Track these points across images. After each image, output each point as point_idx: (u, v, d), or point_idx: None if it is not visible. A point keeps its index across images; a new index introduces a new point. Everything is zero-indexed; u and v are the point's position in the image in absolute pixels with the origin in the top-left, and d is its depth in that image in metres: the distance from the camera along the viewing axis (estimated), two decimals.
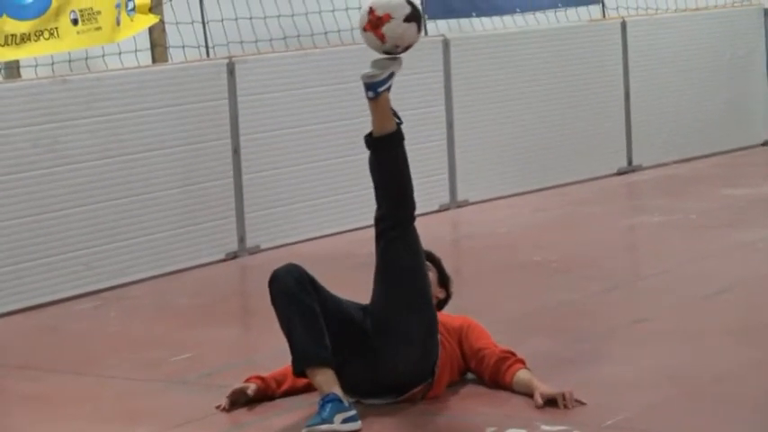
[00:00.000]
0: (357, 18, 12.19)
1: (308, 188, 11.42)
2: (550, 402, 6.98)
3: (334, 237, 11.36)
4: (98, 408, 7.46)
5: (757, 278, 9.78)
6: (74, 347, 8.77)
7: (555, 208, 12.62)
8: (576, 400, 7.00)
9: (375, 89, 7.25)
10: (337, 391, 6.80)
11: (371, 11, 7.15)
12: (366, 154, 11.40)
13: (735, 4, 15.92)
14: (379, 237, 7.23)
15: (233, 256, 10.91)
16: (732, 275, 9.86)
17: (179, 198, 10.57)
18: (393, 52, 7.26)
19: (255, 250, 11.04)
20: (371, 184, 11.60)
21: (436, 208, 12.31)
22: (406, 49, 7.24)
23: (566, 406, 6.97)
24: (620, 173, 14.09)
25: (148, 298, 9.94)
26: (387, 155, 7.31)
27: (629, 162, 14.21)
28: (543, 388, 7.07)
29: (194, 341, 8.70)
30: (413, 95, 12.04)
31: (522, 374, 7.22)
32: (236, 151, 10.94)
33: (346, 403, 6.78)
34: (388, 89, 7.24)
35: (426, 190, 11.96)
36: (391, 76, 7.23)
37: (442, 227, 11.94)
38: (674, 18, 15.07)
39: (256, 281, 10.54)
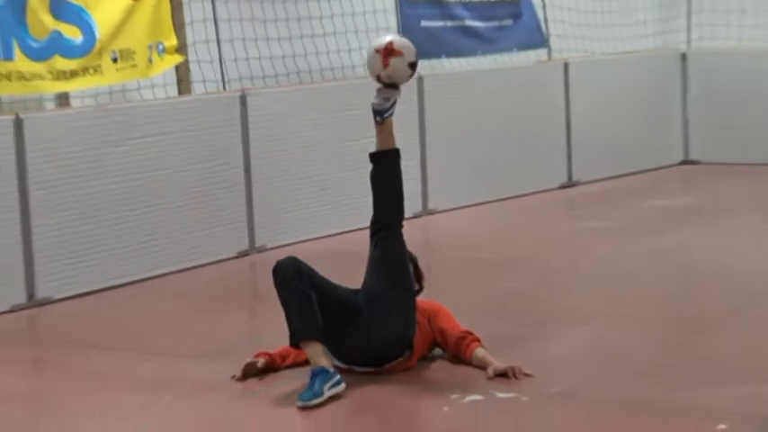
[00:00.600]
0: (350, 58, 12.55)
1: (307, 198, 11.53)
2: (502, 375, 7.14)
3: (327, 238, 11.48)
4: (133, 378, 7.59)
5: (671, 274, 9.97)
6: (113, 328, 8.89)
7: (508, 215, 12.76)
8: (524, 373, 7.17)
9: (382, 115, 7.48)
10: (324, 362, 6.95)
11: (391, 43, 7.36)
12: (356, 170, 11.68)
13: (657, 50, 16.02)
14: (374, 235, 7.51)
15: (244, 254, 11.01)
16: (650, 271, 10.01)
17: (200, 206, 10.65)
18: (381, 81, 7.43)
19: (263, 249, 11.13)
20: (359, 195, 11.83)
21: (410, 215, 12.37)
22: (393, 84, 7.42)
23: (516, 377, 7.13)
24: (562, 187, 14.17)
25: (175, 288, 10.04)
26: (386, 168, 7.55)
27: (570, 178, 14.30)
28: (496, 364, 7.23)
29: (213, 323, 8.84)
30: (394, 120, 12.10)
31: (478, 352, 7.37)
32: (247, 169, 11.04)
33: (331, 370, 6.93)
34: (392, 114, 7.46)
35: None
36: (394, 103, 7.44)
37: (415, 231, 11.96)
38: (607, 60, 15.20)
39: (263, 274, 10.61)
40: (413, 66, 7.43)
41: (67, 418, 6.80)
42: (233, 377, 7.32)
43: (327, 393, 6.83)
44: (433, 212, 12.71)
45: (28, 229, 9.46)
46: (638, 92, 15.11)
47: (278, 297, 7.20)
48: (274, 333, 8.22)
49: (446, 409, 6.75)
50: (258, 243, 11.12)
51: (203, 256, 10.68)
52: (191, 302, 9.57)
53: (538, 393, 6.89)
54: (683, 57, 15.62)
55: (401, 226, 7.49)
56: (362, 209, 11.75)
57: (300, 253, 10.93)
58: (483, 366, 7.26)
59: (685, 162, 15.58)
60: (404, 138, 12.26)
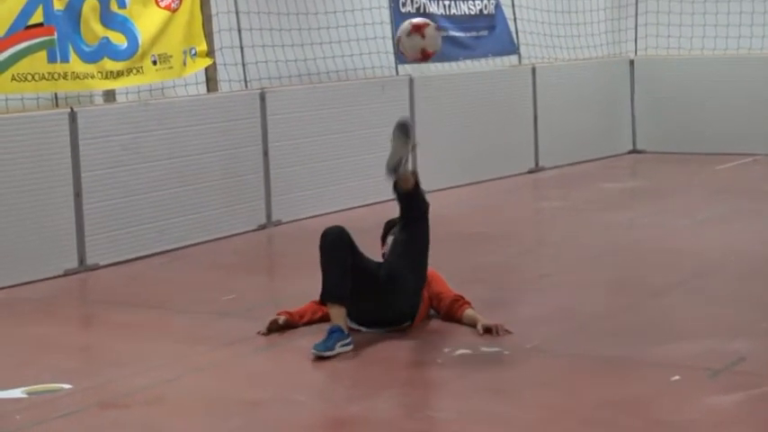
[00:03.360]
0: (352, 62, 12.44)
1: (316, 180, 11.37)
2: (488, 331, 7.00)
3: (333, 214, 11.30)
4: (169, 333, 7.43)
5: (625, 245, 9.79)
6: (151, 290, 8.70)
7: (484, 196, 12.60)
8: (505, 330, 7.03)
9: (395, 172, 7.08)
10: (342, 324, 6.79)
11: (411, 23, 7.22)
12: (358, 156, 11.59)
13: (609, 57, 15.93)
14: (403, 219, 7.25)
15: (262, 227, 10.84)
16: (608, 243, 9.86)
17: (225, 186, 10.49)
18: (427, 54, 7.26)
19: (278, 223, 10.98)
20: (360, 177, 11.75)
21: None
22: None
23: (498, 334, 6.98)
24: (530, 172, 14.05)
25: (203, 256, 9.85)
26: (406, 199, 7.19)
27: (536, 164, 14.18)
28: (484, 321, 7.08)
29: (237, 286, 8.65)
30: (389, 115, 12.01)
31: (469, 312, 7.23)
32: (265, 153, 10.89)
33: (346, 332, 6.77)
34: (405, 167, 7.06)
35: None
36: (402, 161, 7.03)
37: None
38: (568, 65, 15.08)
39: (279, 245, 10.58)
40: (438, 29, 7.31)
41: (113, 366, 6.62)
42: (258, 332, 7.16)
43: (338, 350, 6.68)
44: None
45: (80, 205, 9.30)
46: (593, 92, 15.03)
47: (320, 257, 7.02)
48: (289, 295, 8.15)
49: (440, 361, 6.61)
50: (274, 218, 10.97)
51: (227, 228, 10.51)
52: (217, 269, 9.39)
53: (517, 348, 6.75)
54: (632, 63, 15.62)
55: (428, 213, 7.26)
56: (363, 189, 11.77)
57: (310, 227, 10.94)
58: (472, 324, 7.12)
59: (633, 151, 15.50)
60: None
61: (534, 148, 14.16)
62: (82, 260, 9.30)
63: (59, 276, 9.09)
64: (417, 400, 6.09)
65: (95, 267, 9.34)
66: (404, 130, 7.05)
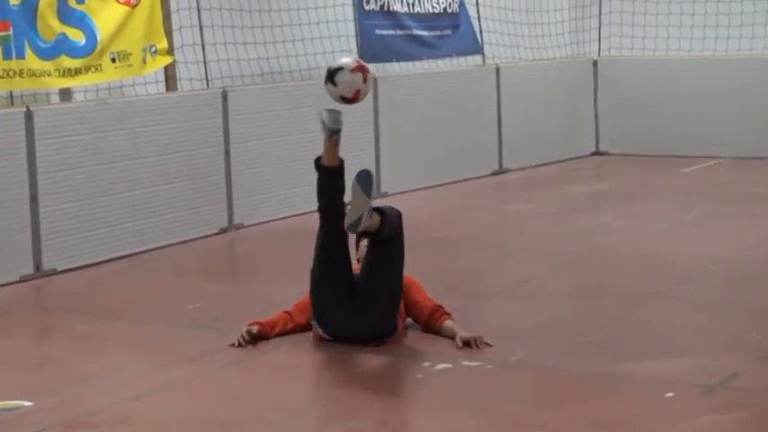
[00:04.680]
0: (315, 61, 12.09)
1: (278, 182, 11.00)
2: (466, 344, 6.67)
3: (299, 217, 10.93)
4: (134, 345, 7.04)
5: (600, 251, 9.50)
6: (112, 298, 8.29)
7: (449, 199, 12.28)
8: (485, 343, 6.70)
9: (338, 133, 7.07)
10: None
11: (357, 60, 6.98)
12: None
13: (572, 57, 15.68)
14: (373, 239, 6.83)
15: (224, 231, 10.46)
16: (582, 249, 9.59)
17: (186, 188, 10.10)
18: (351, 99, 7.02)
19: (240, 226, 10.60)
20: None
21: None
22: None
23: (477, 347, 6.66)
24: (493, 173, 13.77)
25: (164, 261, 9.46)
26: (374, 234, 6.73)
27: (500, 166, 13.89)
28: (462, 333, 6.75)
29: (201, 294, 8.26)
30: (352, 116, 11.71)
31: (448, 323, 6.89)
32: (227, 154, 10.51)
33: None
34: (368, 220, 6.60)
35: None
36: (363, 219, 6.57)
37: None
38: (532, 65, 14.82)
39: (242, 249, 10.21)
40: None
41: (76, 382, 6.21)
42: (230, 344, 6.75)
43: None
44: (385, 195, 12.19)
45: (36, 208, 8.87)
46: (556, 93, 14.78)
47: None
48: (256, 303, 7.80)
49: (419, 376, 6.27)
50: (236, 221, 10.59)
51: (188, 232, 10.12)
52: (180, 275, 9.02)
53: (500, 362, 6.42)
54: (595, 63, 15.39)
55: (401, 226, 6.81)
56: None
57: (271, 230, 10.60)
58: (451, 336, 6.78)
59: (596, 153, 15.27)
60: (360, 131, 11.97)
61: (498, 149, 13.87)
62: (38, 266, 8.87)
63: (14, 283, 8.66)
64: (398, 419, 5.73)
65: (52, 273, 8.93)
66: (365, 183, 6.60)
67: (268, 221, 10.79)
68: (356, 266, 6.96)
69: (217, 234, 10.38)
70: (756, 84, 14.45)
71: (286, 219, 10.88)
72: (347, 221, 6.57)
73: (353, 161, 11.68)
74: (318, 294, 6.73)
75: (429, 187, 12.68)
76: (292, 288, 8.05)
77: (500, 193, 12.89)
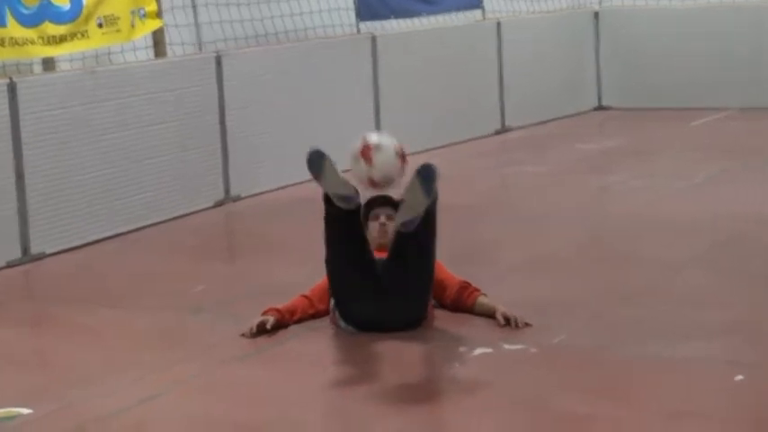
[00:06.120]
0: (311, 20, 11.45)
1: (277, 151, 10.35)
2: (507, 322, 6.07)
3: (299, 185, 10.29)
4: (137, 336, 6.41)
5: (623, 215, 8.86)
6: (108, 283, 7.65)
7: (455, 161, 11.57)
8: (525, 323, 6.10)
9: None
10: None
11: (366, 142, 5.96)
12: (320, 122, 10.62)
13: (573, 8, 15.03)
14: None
15: (220, 204, 9.84)
16: (603, 213, 9.02)
17: (180, 159, 9.46)
18: (376, 184, 5.98)
19: (237, 198, 9.98)
20: (324, 145, 10.65)
21: None
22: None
23: (517, 326, 6.07)
24: (496, 133, 13.17)
25: (159, 240, 8.84)
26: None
27: (503, 125, 13.28)
28: (503, 309, 6.15)
29: (204, 275, 7.65)
30: (353, 77, 11.18)
31: (482, 299, 6.30)
32: (222, 123, 9.86)
33: None
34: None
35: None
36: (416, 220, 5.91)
37: None
38: (531, 18, 14.22)
39: (241, 223, 9.59)
40: (401, 155, 5.94)
41: (78, 383, 5.58)
42: (242, 334, 6.11)
43: None
44: None
45: (22, 187, 8.23)
46: (557, 47, 14.16)
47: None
48: (265, 284, 7.20)
49: (457, 364, 5.66)
50: (233, 193, 9.96)
51: (183, 206, 9.49)
52: (178, 254, 8.38)
53: (543, 345, 5.82)
54: (596, 15, 14.79)
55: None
56: (331, 157, 10.73)
57: (271, 201, 9.97)
58: (489, 313, 6.19)
59: (599, 108, 14.67)
60: (359, 93, 11.34)
61: (500, 107, 13.26)
62: (26, 249, 8.24)
63: (1, 269, 8.02)
64: (445, 419, 5.11)
65: (41, 256, 8.29)
66: (427, 182, 5.81)
67: (268, 191, 10.18)
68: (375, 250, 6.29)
69: (213, 207, 9.76)
70: (764, 32, 13.85)
71: (287, 188, 10.27)
72: (398, 219, 5.91)
73: (352, 125, 11.15)
74: (339, 288, 6.08)
75: (431, 149, 12.01)
76: (302, 267, 7.48)
77: (507, 154, 12.26)
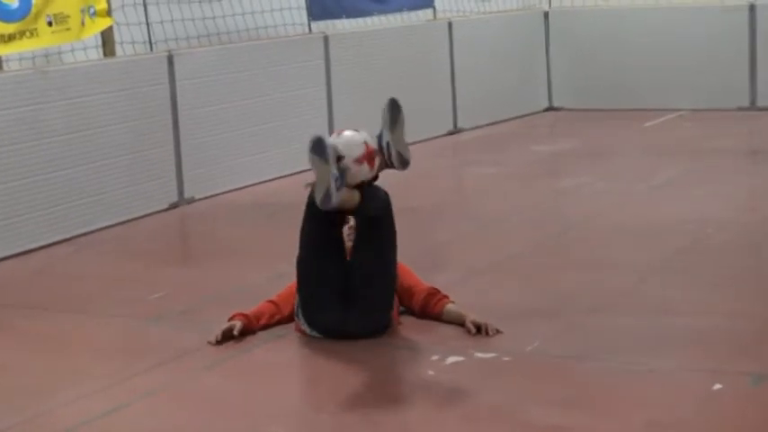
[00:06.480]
0: (263, 20, 11.28)
1: (231, 151, 10.23)
2: (479, 330, 5.97)
3: (254, 186, 10.22)
4: (97, 345, 6.23)
5: (587, 217, 8.80)
6: (62, 288, 7.46)
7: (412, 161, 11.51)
8: (496, 330, 6.00)
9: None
10: None
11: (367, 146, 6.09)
12: (276, 122, 10.48)
13: (523, 9, 15.03)
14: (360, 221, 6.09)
15: (174, 206, 9.67)
16: (567, 216, 8.95)
17: (132, 162, 9.29)
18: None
19: (191, 200, 9.83)
20: (281, 145, 10.68)
21: None
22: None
23: (488, 333, 5.97)
24: (449, 134, 13.10)
25: (113, 244, 8.66)
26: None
27: (455, 125, 13.21)
28: (472, 317, 6.05)
29: (161, 280, 7.47)
30: (308, 76, 11.04)
31: (450, 307, 6.20)
32: (175, 124, 9.70)
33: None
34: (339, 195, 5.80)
35: None
36: (331, 192, 5.76)
37: None
38: (482, 18, 14.15)
39: (196, 226, 9.42)
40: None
41: (39, 394, 5.41)
42: (209, 342, 5.96)
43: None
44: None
45: None
46: (507, 47, 14.12)
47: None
48: (226, 289, 7.05)
49: (431, 372, 5.55)
50: (187, 195, 9.80)
51: (137, 209, 9.34)
52: (133, 259, 8.19)
53: (516, 352, 5.73)
54: (546, 15, 14.76)
55: (389, 207, 6.09)
56: (284, 158, 10.64)
57: (226, 203, 9.80)
58: (458, 321, 6.09)
59: (549, 108, 14.65)
60: (312, 93, 11.19)
61: (452, 108, 13.18)
62: None
63: None
64: (422, 429, 4.99)
65: None
66: (319, 151, 5.77)
67: (223, 193, 10.04)
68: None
69: (167, 210, 9.59)
70: (715, 33, 13.88)
71: (242, 189, 10.16)
72: (317, 198, 5.78)
73: (306, 125, 11.01)
74: (310, 288, 5.93)
75: None
76: (261, 272, 7.37)
77: (461, 155, 12.18)
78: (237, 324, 6.01)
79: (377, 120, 11.59)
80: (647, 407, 4.96)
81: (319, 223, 5.93)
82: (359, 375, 5.52)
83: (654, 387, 5.20)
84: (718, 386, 5.17)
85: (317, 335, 5.98)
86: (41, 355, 6.07)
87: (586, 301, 6.60)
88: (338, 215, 5.97)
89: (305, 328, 6.02)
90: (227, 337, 5.97)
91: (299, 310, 6.04)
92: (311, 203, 5.90)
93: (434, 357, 5.71)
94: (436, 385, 5.37)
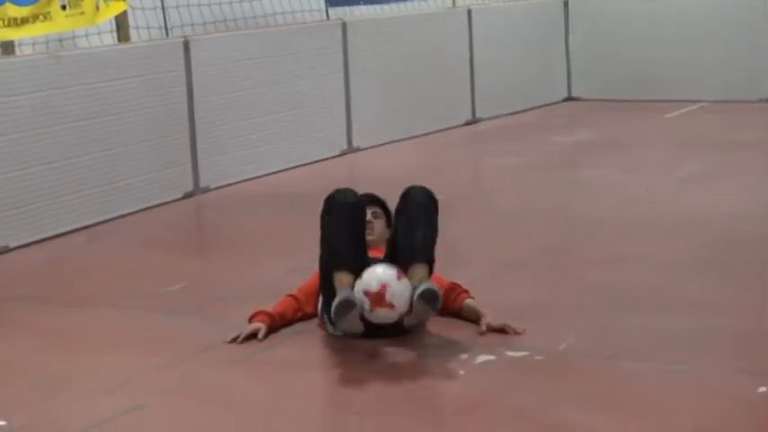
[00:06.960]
0: (280, 5, 11.08)
1: (248, 140, 10.03)
2: (495, 332, 5.76)
3: (270, 176, 10.02)
4: (114, 339, 6.02)
5: (614, 209, 8.57)
6: (78, 279, 7.28)
7: (427, 152, 11.36)
8: (514, 330, 5.76)
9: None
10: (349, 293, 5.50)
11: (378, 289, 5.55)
12: (293, 111, 10.30)
13: None
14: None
15: (190, 195, 9.49)
16: (594, 208, 8.74)
17: (147, 149, 9.11)
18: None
19: (207, 190, 9.64)
20: (299, 134, 10.50)
21: (337, 153, 11.00)
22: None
23: (507, 333, 5.75)
24: (467, 123, 12.89)
25: (129, 233, 8.48)
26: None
27: (474, 115, 12.99)
28: (489, 318, 5.81)
29: (179, 271, 7.29)
30: (327, 65, 10.82)
31: (469, 302, 5.97)
32: (190, 112, 9.49)
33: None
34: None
35: (329, 138, 10.85)
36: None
37: (343, 168, 10.62)
38: (501, 7, 13.93)
39: (212, 216, 9.23)
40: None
41: (56, 392, 5.22)
42: (228, 341, 5.75)
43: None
44: (356, 150, 11.28)
45: None
46: (527, 36, 13.91)
47: (329, 224, 5.71)
48: (244, 283, 6.88)
49: (462, 372, 5.34)
50: (203, 184, 9.61)
51: (152, 198, 9.16)
52: (149, 248, 8.02)
53: (549, 351, 5.52)
54: (566, 4, 14.57)
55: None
56: (301, 147, 10.47)
57: (242, 193, 9.61)
58: (474, 318, 5.87)
59: (568, 99, 14.44)
60: (330, 80, 10.99)
61: (471, 97, 12.97)
62: None
63: None
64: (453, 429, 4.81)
65: (5, 251, 7.92)
66: (433, 302, 5.50)
67: (238, 182, 9.84)
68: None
69: (182, 199, 9.40)
70: (737, 24, 13.66)
71: (258, 179, 9.96)
72: (406, 323, 5.63)
73: (324, 115, 10.82)
74: (332, 290, 5.70)
75: (401, 140, 11.78)
76: (282, 263, 7.20)
77: (482, 145, 11.98)
78: (262, 329, 5.79)
79: (393, 108, 11.51)
80: (690, 410, 4.76)
81: (353, 233, 5.71)
82: (385, 374, 5.32)
83: (695, 390, 5.00)
84: (762, 389, 4.97)
85: (342, 335, 5.77)
86: (57, 352, 5.86)
87: (616, 297, 6.39)
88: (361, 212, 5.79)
89: (328, 328, 5.81)
90: (249, 338, 5.77)
91: (323, 311, 5.83)
92: (330, 202, 5.71)
93: (464, 356, 5.51)
94: (468, 386, 5.16)
